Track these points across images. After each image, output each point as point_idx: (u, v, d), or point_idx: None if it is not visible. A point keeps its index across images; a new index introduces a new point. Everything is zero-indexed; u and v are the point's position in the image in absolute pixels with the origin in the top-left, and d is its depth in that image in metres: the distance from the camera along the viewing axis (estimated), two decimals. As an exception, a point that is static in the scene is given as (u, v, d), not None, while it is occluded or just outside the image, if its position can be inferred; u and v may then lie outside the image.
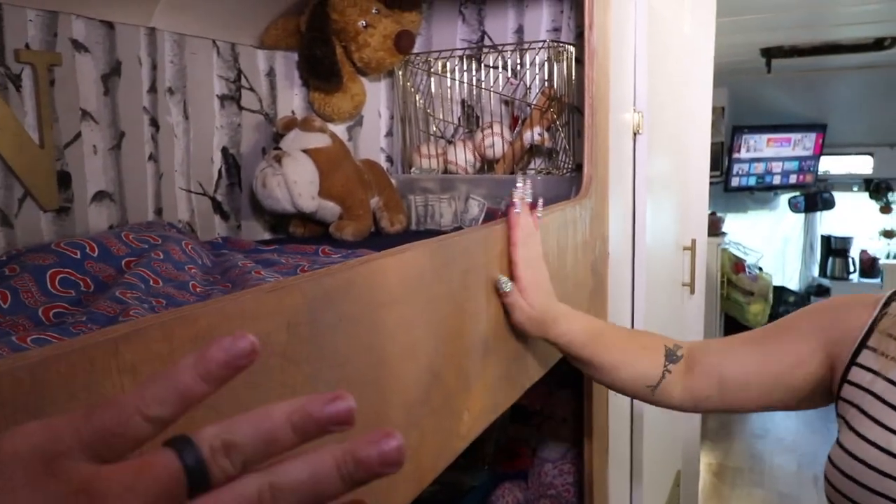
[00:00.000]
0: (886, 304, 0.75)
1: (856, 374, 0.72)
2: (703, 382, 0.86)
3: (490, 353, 0.79)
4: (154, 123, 1.14)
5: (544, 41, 1.33)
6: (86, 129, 1.03)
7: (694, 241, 1.74)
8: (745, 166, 4.74)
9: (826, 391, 0.79)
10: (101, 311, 0.69)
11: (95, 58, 1.04)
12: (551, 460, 1.32)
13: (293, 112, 1.41)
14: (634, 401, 1.43)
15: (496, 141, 1.34)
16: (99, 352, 0.36)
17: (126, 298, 0.72)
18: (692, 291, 1.77)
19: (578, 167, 1.33)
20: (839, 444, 0.70)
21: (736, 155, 4.69)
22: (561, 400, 1.35)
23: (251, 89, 1.32)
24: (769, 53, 3.43)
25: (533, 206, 0.88)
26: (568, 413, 1.34)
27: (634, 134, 1.35)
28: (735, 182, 4.76)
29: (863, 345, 0.73)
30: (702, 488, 3.03)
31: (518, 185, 0.87)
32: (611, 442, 1.29)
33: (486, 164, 1.38)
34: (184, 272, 0.87)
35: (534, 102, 1.33)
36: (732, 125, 4.60)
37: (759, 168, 4.78)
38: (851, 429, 0.69)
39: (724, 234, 4.40)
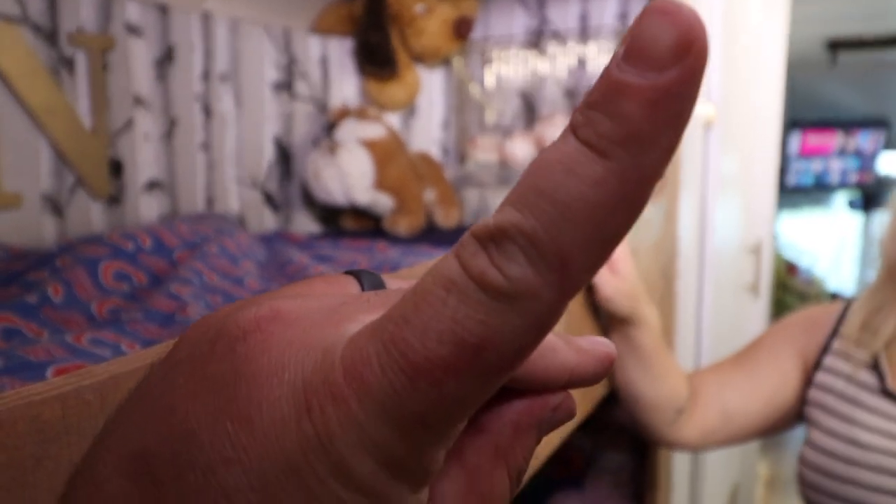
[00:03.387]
0: (846, 308, 0.81)
1: (820, 377, 0.78)
2: (708, 414, 0.85)
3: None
4: (206, 111, 1.10)
5: (613, 28, 1.26)
6: (138, 116, 0.99)
7: (760, 242, 1.65)
8: (802, 164, 4.57)
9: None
10: (157, 308, 0.65)
11: (149, 42, 1.00)
12: (609, 471, 1.25)
13: (346, 101, 1.36)
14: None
15: (558, 133, 1.28)
16: (171, 367, 0.31)
17: (182, 295, 0.68)
18: (757, 295, 1.69)
19: (644, 162, 1.26)
20: (808, 443, 0.75)
21: (793, 152, 4.52)
22: (620, 409, 1.28)
23: (304, 77, 1.28)
24: (835, 46, 3.28)
25: None
26: (627, 422, 1.27)
27: (706, 127, 1.28)
28: (791, 180, 4.59)
29: (827, 350, 0.78)
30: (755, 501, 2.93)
31: None
32: (673, 454, 1.22)
33: (547, 158, 1.32)
34: (239, 267, 0.83)
35: (599, 93, 1.26)
36: (790, 121, 4.44)
37: (818, 166, 4.60)
38: (818, 427, 0.75)
39: (776, 235, 4.26)
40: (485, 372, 0.16)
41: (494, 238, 0.16)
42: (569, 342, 0.24)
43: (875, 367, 0.73)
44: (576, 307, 0.76)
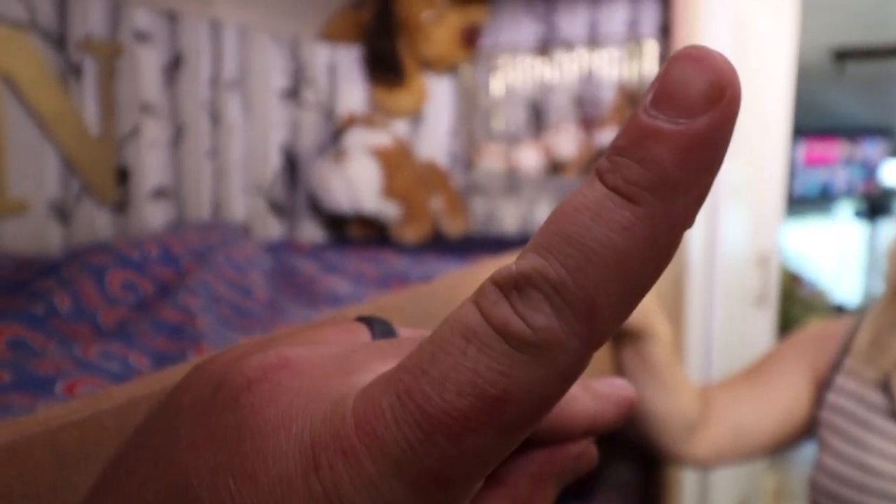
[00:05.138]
0: (858, 324, 0.79)
1: (832, 398, 0.76)
2: (720, 431, 0.83)
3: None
4: (213, 118, 1.09)
5: (623, 36, 1.25)
6: (145, 123, 0.98)
7: (767, 253, 1.64)
8: (808, 173, 4.56)
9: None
10: (165, 319, 0.64)
11: (157, 49, 0.99)
12: (617, 486, 1.24)
13: (353, 108, 1.35)
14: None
15: (566, 142, 1.27)
16: (190, 390, 0.30)
17: (190, 306, 0.67)
18: (763, 307, 1.68)
19: (653, 172, 1.25)
20: (818, 466, 0.73)
21: (798, 161, 4.51)
22: (628, 424, 1.27)
23: (311, 84, 1.27)
24: (841, 55, 3.27)
25: None
26: (636, 438, 1.25)
27: (715, 138, 1.27)
28: (797, 190, 4.57)
29: (838, 368, 0.76)
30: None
31: None
32: (681, 471, 1.21)
33: (555, 166, 1.31)
34: (246, 277, 0.82)
35: (609, 101, 1.25)
36: (795, 130, 4.42)
37: (823, 175, 4.59)
38: (828, 450, 0.73)
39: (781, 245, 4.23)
40: (507, 426, 0.15)
41: (518, 285, 0.15)
42: (587, 388, 0.23)
43: (885, 387, 0.72)
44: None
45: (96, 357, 0.52)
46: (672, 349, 0.82)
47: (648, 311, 0.79)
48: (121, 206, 0.96)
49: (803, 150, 4.50)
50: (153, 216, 1.00)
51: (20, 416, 0.26)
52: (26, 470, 0.25)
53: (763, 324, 1.77)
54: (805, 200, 4.68)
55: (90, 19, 0.90)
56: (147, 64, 0.98)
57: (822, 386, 0.78)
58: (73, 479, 0.26)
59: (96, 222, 0.93)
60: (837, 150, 4.56)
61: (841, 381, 0.75)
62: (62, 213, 0.89)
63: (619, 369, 0.83)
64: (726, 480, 1.54)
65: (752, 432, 0.83)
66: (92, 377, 0.48)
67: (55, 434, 0.25)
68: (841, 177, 4.61)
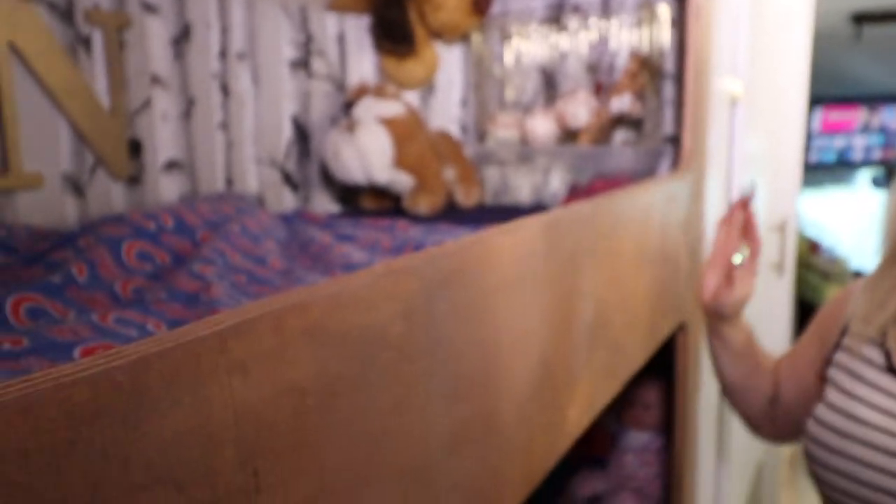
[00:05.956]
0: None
1: (837, 357, 0.77)
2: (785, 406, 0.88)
3: (595, 342, 0.72)
4: (224, 90, 1.09)
5: (636, 1, 1.23)
6: (156, 95, 0.98)
7: (784, 221, 1.62)
8: (825, 140, 4.48)
9: None
10: (181, 288, 0.64)
11: (165, 20, 0.99)
12: (633, 450, 1.24)
13: (363, 79, 1.34)
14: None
15: (580, 109, 1.25)
16: (205, 347, 0.30)
17: (206, 274, 0.67)
18: (781, 274, 1.66)
19: (668, 138, 1.23)
20: (812, 415, 0.75)
21: (815, 128, 4.43)
22: (645, 386, 1.27)
23: (321, 55, 1.26)
24: (860, 19, 3.19)
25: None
26: (652, 400, 1.25)
27: (732, 103, 1.25)
28: (813, 157, 4.50)
29: (846, 330, 0.78)
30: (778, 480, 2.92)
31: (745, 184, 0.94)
32: (697, 434, 1.21)
33: (569, 135, 1.29)
34: (261, 246, 0.82)
35: (623, 68, 1.23)
36: (812, 97, 4.34)
37: (840, 143, 4.51)
38: (823, 401, 0.75)
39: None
40: None
41: None
42: None
43: (882, 343, 0.73)
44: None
45: (113, 324, 0.53)
46: (751, 336, 0.90)
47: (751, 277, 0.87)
48: (134, 178, 0.96)
49: (819, 117, 4.42)
50: (167, 189, 1.01)
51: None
52: (40, 425, 0.25)
53: (781, 292, 1.76)
54: (822, 168, 4.61)
55: (98, -10, 0.89)
56: (156, 36, 0.97)
57: (834, 347, 0.78)
58: (86, 434, 0.26)
59: (111, 195, 0.93)
60: (856, 117, 4.48)
61: (847, 340, 0.76)
62: (77, 186, 0.89)
63: (709, 350, 0.92)
64: (744, 446, 1.53)
65: (790, 412, 0.86)
66: (110, 343, 0.48)
67: (68, 390, 0.25)
68: (859, 144, 4.53)
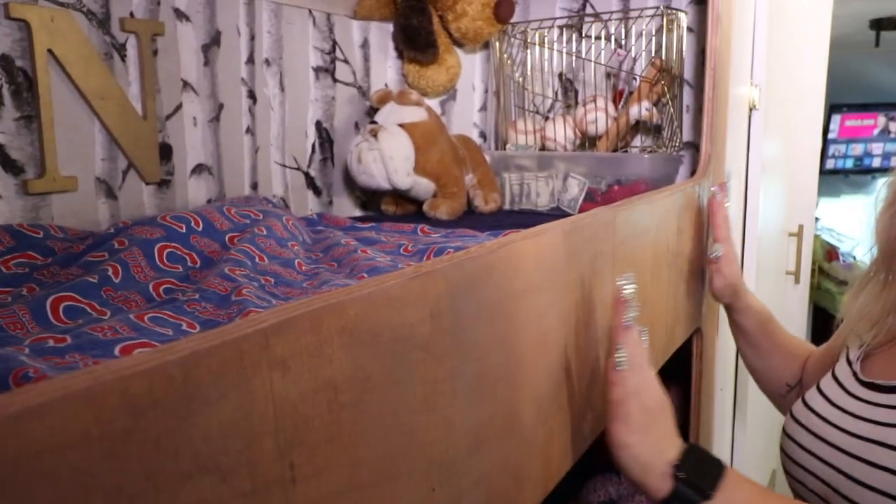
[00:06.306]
0: None
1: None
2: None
3: (612, 346, 0.73)
4: (251, 95, 1.11)
5: (656, 8, 1.24)
6: (186, 101, 1.01)
7: (801, 228, 1.62)
8: (842, 147, 4.44)
9: None
10: (213, 289, 0.66)
11: (196, 27, 1.01)
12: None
13: (386, 85, 1.36)
14: (738, 395, 1.36)
15: (599, 116, 1.27)
16: (249, 344, 0.32)
17: (236, 276, 0.69)
18: (797, 280, 1.66)
19: (686, 145, 1.24)
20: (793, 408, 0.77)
21: (832, 135, 4.40)
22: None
23: (345, 61, 1.28)
24: (879, 25, 3.17)
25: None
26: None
27: (750, 110, 1.25)
28: (830, 164, 4.46)
29: None
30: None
31: (714, 188, 1.01)
32: (712, 443, 1.21)
33: (587, 141, 1.31)
34: (287, 249, 0.85)
35: (641, 74, 1.24)
36: (830, 103, 4.31)
37: (858, 150, 4.47)
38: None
39: (816, 219, 4.13)
40: None
41: None
42: None
43: (861, 346, 0.73)
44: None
45: (150, 323, 0.55)
46: (765, 319, 0.95)
47: (736, 290, 0.94)
48: (164, 182, 0.99)
49: (837, 123, 4.39)
50: (195, 192, 1.03)
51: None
52: (102, 414, 0.27)
53: (797, 297, 1.76)
54: (839, 174, 4.57)
55: (132, -1, 0.92)
56: (187, 42, 1.00)
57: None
58: (142, 424, 0.28)
59: (142, 198, 0.96)
60: (874, 123, 4.44)
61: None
62: (109, 189, 0.92)
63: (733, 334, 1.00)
64: (757, 453, 1.54)
65: None
66: (148, 342, 0.50)
67: (127, 382, 0.27)
68: (877, 150, 4.48)
